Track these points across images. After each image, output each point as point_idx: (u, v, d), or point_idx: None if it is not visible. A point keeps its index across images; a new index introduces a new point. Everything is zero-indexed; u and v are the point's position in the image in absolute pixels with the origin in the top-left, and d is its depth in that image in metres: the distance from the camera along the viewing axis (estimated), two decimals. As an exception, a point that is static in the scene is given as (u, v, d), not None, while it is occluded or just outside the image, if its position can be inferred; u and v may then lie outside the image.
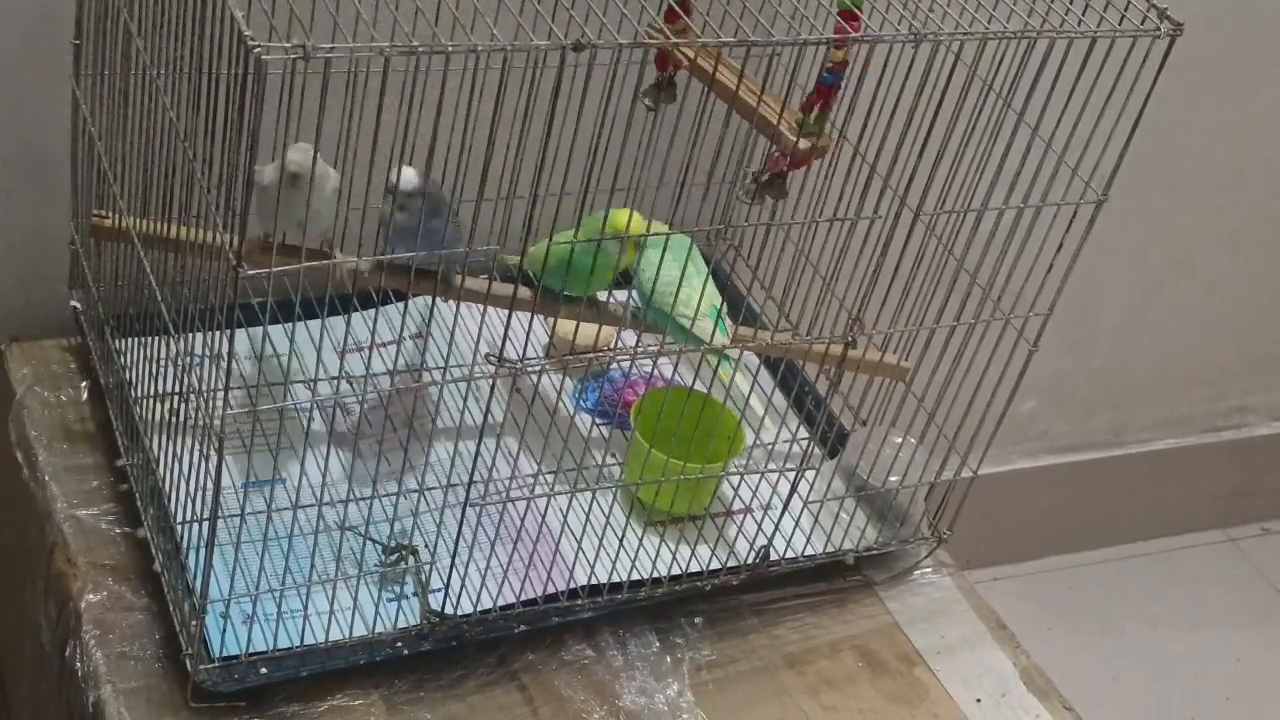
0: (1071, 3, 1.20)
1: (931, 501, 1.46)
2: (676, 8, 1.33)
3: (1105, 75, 1.20)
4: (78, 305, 1.45)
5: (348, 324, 1.32)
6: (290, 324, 1.40)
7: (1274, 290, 2.24)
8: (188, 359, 1.16)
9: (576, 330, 1.42)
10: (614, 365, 1.52)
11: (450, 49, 0.95)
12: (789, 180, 1.34)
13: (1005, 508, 2.15)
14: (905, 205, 1.29)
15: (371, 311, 1.44)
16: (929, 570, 1.48)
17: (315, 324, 1.42)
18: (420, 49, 0.94)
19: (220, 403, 1.06)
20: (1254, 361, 2.32)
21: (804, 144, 1.32)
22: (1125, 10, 1.20)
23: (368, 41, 0.94)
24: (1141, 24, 1.19)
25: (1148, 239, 2.07)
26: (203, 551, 1.15)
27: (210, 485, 1.11)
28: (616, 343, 1.49)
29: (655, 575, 1.35)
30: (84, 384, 1.44)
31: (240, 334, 1.05)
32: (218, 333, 1.08)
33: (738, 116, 1.48)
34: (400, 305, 1.48)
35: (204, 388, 1.11)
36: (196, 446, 1.15)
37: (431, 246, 1.18)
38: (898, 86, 1.24)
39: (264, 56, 0.90)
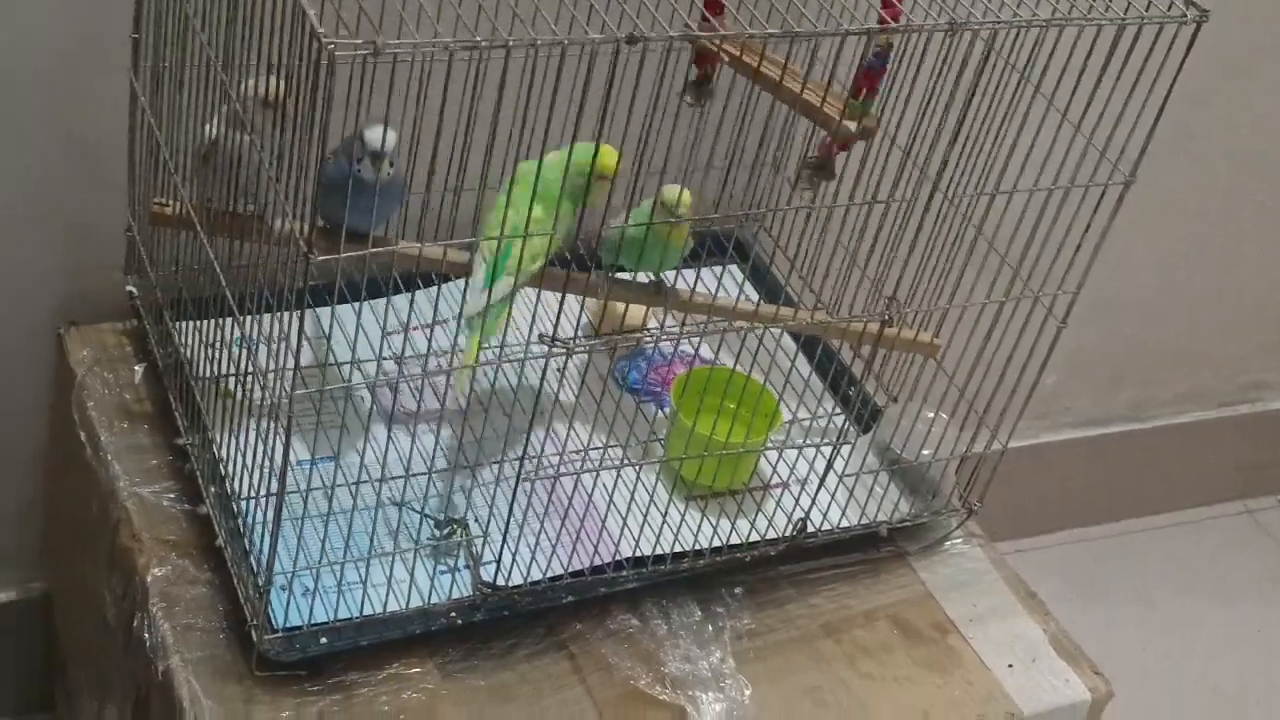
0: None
1: (962, 474, 1.51)
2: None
3: (1133, 60, 1.24)
4: (133, 290, 1.49)
5: (410, 303, 1.36)
6: (356, 304, 1.44)
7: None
8: (252, 341, 1.20)
9: (626, 310, 1.46)
10: (653, 345, 1.57)
11: (511, 43, 1.00)
12: (837, 162, 1.39)
13: (1030, 481, 2.20)
14: (937, 189, 1.33)
15: (432, 290, 1.48)
16: (959, 541, 1.53)
17: (367, 304, 1.46)
18: (483, 44, 0.99)
19: (289, 383, 1.10)
20: (1270, 337, 2.36)
21: (852, 126, 1.36)
22: (1151, -4, 1.24)
23: (431, 37, 0.99)
24: (1168, 9, 1.23)
25: (1169, 218, 2.11)
26: (268, 526, 1.20)
27: (276, 462, 1.16)
28: (663, 321, 1.54)
29: (697, 548, 1.39)
30: (140, 366, 1.49)
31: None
32: (284, 314, 1.12)
33: (777, 106, 1.53)
34: (458, 284, 1.52)
35: (270, 368, 1.15)
36: (260, 425, 1.20)
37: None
38: (928, 72, 1.28)
39: (337, 52, 0.95)
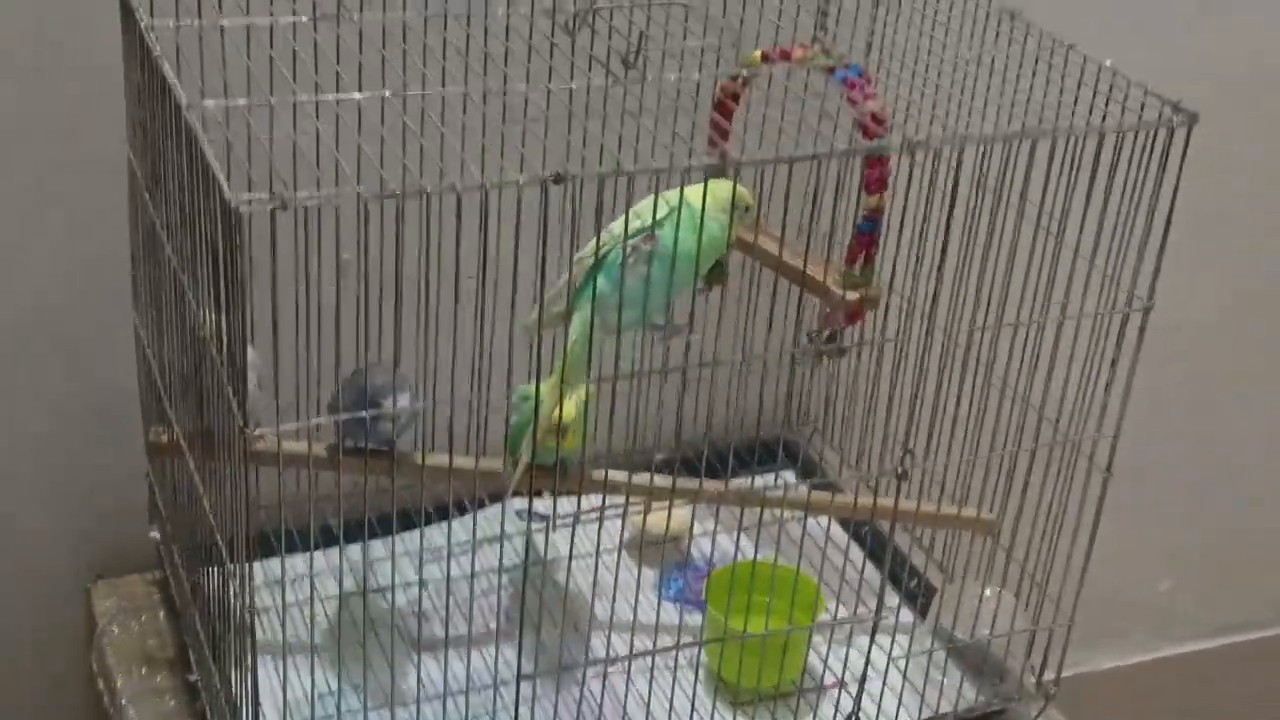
0: (1076, 105, 1.18)
1: (1035, 654, 1.39)
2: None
3: (1122, 173, 1.17)
4: (157, 536, 1.47)
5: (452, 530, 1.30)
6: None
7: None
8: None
9: (645, 517, 1.40)
10: (696, 553, 1.50)
11: (429, 190, 0.97)
12: (845, 337, 1.32)
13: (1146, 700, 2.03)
14: (946, 333, 1.25)
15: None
16: (1046, 732, 1.40)
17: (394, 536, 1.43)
18: (398, 193, 0.96)
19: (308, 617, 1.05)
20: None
21: (853, 296, 1.30)
22: (1127, 103, 1.17)
23: (346, 188, 0.96)
24: (1156, 116, 1.17)
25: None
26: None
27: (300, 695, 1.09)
28: (691, 528, 1.47)
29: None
30: (163, 613, 1.46)
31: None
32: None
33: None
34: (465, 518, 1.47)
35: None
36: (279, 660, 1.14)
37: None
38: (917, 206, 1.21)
39: (242, 209, 0.93)
